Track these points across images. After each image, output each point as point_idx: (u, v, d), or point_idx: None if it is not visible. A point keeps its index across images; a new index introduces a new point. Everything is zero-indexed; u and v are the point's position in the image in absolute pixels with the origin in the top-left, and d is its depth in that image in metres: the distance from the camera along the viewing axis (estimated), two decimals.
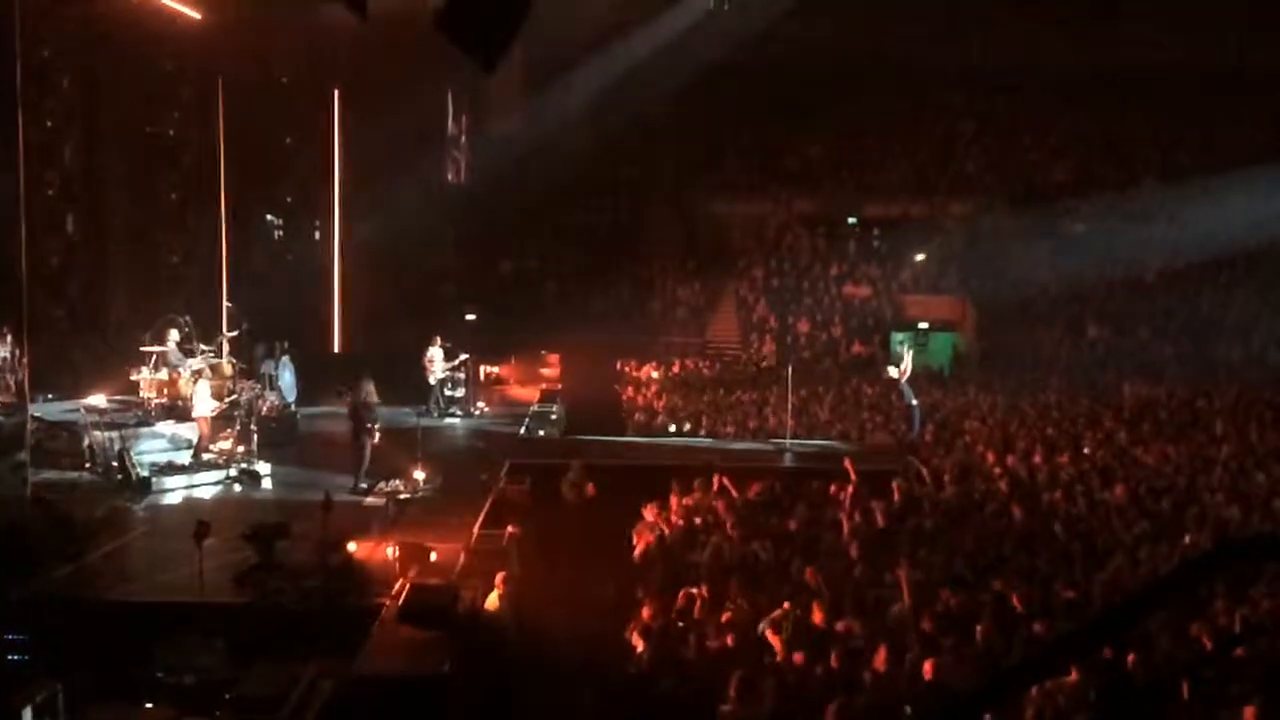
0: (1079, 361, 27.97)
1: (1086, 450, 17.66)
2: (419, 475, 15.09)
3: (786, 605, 9.76)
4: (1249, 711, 7.51)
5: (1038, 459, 16.62)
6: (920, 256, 31.11)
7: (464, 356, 20.99)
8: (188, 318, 18.27)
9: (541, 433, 20.09)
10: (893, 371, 20.32)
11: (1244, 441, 18.48)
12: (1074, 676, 7.95)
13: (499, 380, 24.38)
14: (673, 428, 20.68)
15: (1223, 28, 31.76)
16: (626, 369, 24.74)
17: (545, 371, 24.80)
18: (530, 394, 23.15)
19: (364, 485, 15.06)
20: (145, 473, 15.25)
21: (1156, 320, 29.60)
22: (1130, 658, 8.34)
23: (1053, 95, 33.84)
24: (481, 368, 23.19)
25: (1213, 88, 32.30)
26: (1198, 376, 25.51)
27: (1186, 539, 12.18)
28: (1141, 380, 24.88)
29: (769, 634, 9.40)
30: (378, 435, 15.45)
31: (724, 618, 9.97)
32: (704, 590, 10.67)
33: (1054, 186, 33.40)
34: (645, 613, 10.21)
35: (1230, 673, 8.19)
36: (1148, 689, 7.41)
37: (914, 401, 19.50)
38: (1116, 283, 30.27)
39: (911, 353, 21.39)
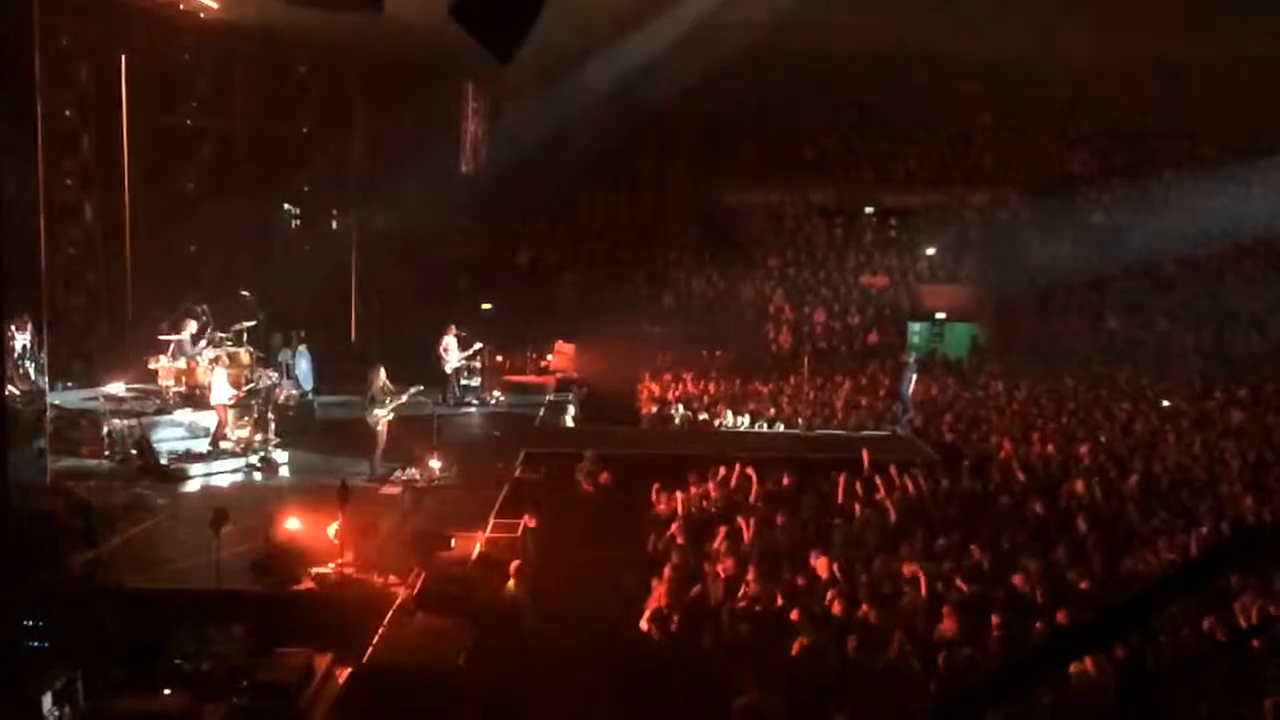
0: (1097, 352, 27.82)
1: (1104, 440, 17.60)
2: (435, 464, 15.12)
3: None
4: (1269, 703, 7.48)
5: (1055, 449, 16.56)
6: (930, 250, 30.96)
7: (479, 346, 21.00)
8: (205, 307, 18.34)
9: (557, 422, 20.10)
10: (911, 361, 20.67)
11: (1262, 432, 18.40)
12: (1093, 667, 7.92)
13: (514, 369, 24.36)
14: (676, 411, 20.68)
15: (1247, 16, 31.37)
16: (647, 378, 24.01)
17: (561, 361, 24.80)
18: (546, 383, 23.17)
19: (380, 472, 15.12)
20: (164, 461, 15.34)
21: (1176, 311, 29.43)
22: (1149, 649, 8.31)
23: (1072, 84, 33.53)
24: (497, 357, 23.19)
25: (1234, 76, 32.00)
26: (1217, 367, 25.41)
27: (1204, 529, 12.13)
28: (1160, 371, 24.78)
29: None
30: (378, 421, 15.35)
31: (739, 607, 9.98)
32: (720, 579, 10.68)
33: (1072, 176, 33.17)
34: (661, 602, 10.21)
35: (1250, 664, 8.14)
36: (1166, 680, 7.37)
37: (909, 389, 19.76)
38: (1135, 273, 30.09)
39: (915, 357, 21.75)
